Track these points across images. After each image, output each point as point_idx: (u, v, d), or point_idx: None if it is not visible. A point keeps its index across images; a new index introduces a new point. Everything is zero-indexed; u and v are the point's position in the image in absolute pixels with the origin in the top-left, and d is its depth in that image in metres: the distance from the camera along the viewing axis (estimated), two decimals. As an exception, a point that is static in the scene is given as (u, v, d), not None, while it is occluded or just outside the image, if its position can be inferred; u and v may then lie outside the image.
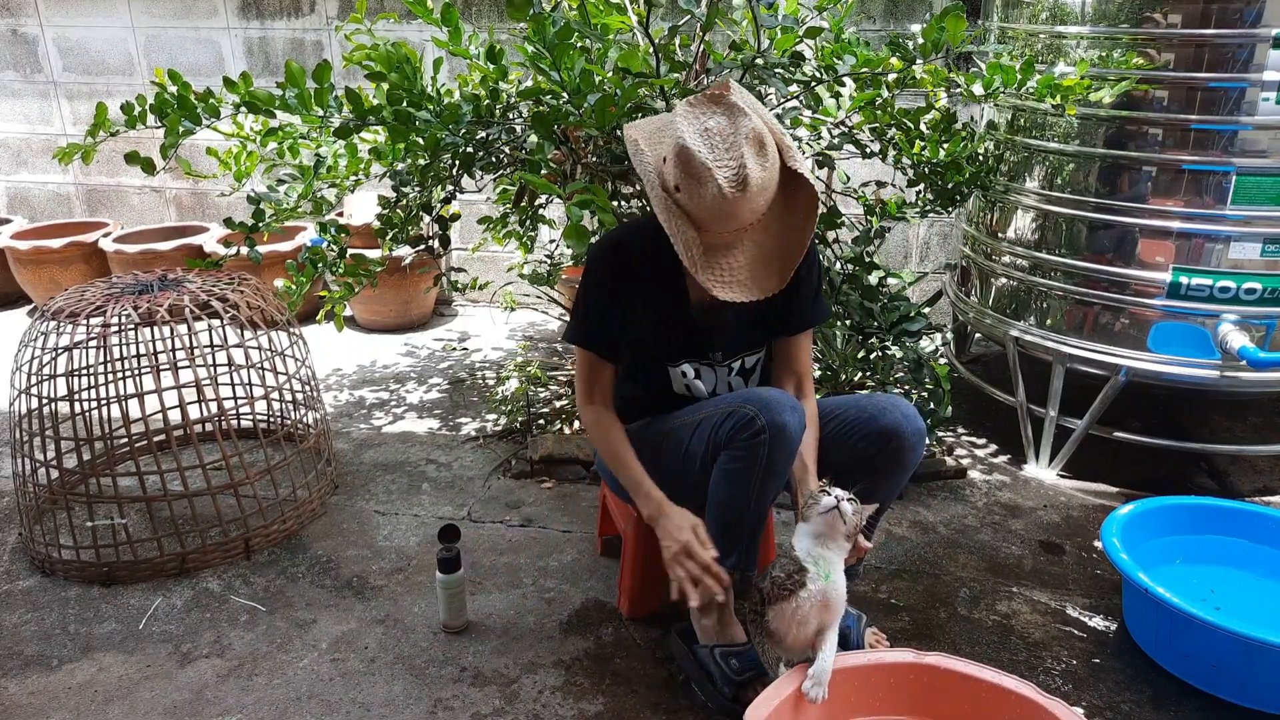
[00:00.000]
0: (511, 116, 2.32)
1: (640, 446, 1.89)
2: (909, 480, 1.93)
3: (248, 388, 2.75)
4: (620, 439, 1.85)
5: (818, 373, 2.72)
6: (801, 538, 1.64)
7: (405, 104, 2.10)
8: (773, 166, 1.59)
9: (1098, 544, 2.39)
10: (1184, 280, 2.41)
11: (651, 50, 2.19)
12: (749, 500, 1.73)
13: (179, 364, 2.35)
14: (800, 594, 1.59)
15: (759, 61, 2.16)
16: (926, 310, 2.51)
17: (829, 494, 1.62)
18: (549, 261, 3.34)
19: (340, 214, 4.04)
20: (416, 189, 2.72)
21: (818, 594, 1.59)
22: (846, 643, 1.78)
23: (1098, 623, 2.10)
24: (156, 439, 2.51)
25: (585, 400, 1.90)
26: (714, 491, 1.77)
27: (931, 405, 2.54)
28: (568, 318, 3.79)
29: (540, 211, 3.05)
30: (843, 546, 1.64)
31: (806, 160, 2.27)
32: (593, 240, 2.00)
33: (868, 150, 2.52)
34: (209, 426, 2.48)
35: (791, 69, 2.18)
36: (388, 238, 2.84)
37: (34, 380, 2.33)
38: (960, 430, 3.05)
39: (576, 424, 2.98)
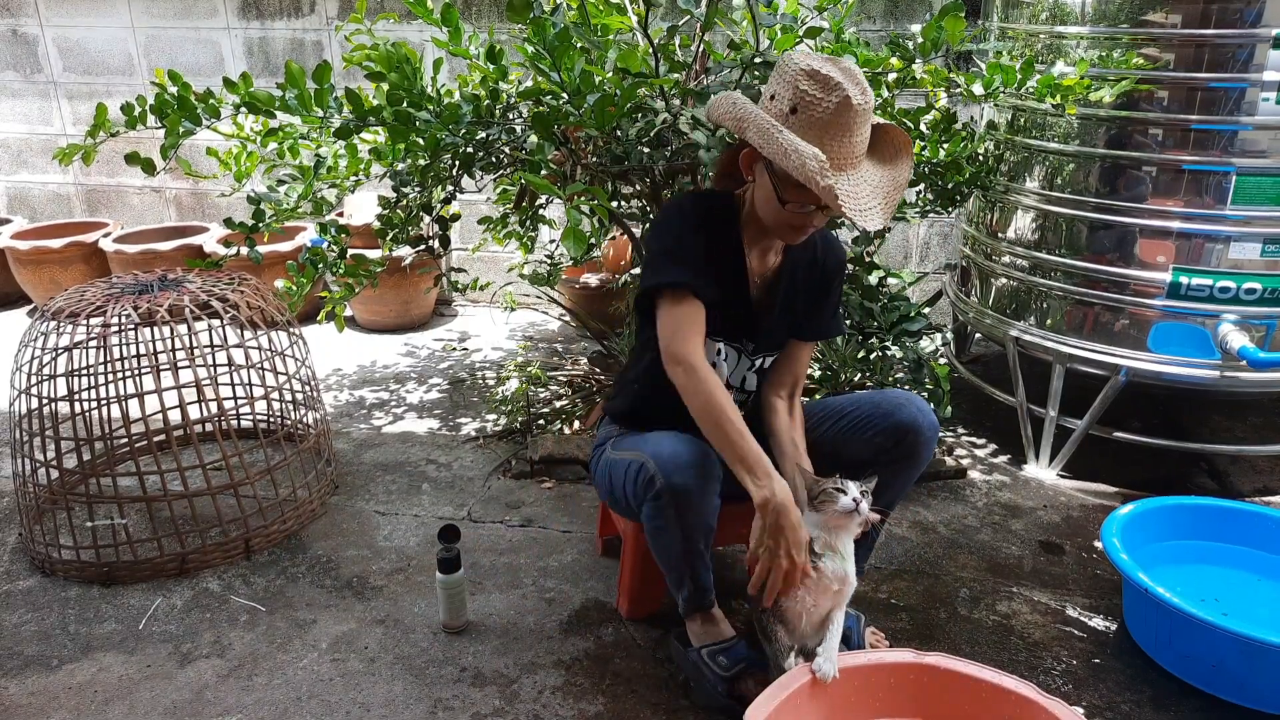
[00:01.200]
0: (511, 117, 2.32)
1: (599, 460, 1.93)
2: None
3: (248, 388, 2.75)
4: (728, 400, 1.64)
5: (817, 372, 2.73)
6: (810, 526, 1.65)
7: (405, 104, 2.10)
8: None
9: (1098, 544, 2.39)
10: (1184, 280, 2.41)
11: (651, 50, 2.19)
12: (674, 553, 1.75)
13: (179, 364, 2.35)
14: (816, 577, 1.63)
15: (759, 61, 2.16)
16: (926, 310, 2.51)
17: (845, 492, 1.63)
18: (549, 262, 3.35)
19: (340, 214, 4.05)
20: (416, 189, 2.72)
21: (831, 576, 1.63)
22: (847, 643, 1.78)
23: (1098, 623, 2.10)
24: (156, 439, 2.51)
25: (680, 353, 1.65)
26: (646, 538, 1.80)
27: (932, 405, 2.53)
28: (568, 318, 3.83)
29: (540, 212, 3.06)
30: (853, 531, 1.67)
31: None
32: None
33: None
34: (209, 426, 2.48)
35: (791, 69, 2.18)
36: (388, 238, 2.84)
37: (34, 380, 2.33)
38: (960, 430, 3.05)
39: (576, 424, 2.98)
